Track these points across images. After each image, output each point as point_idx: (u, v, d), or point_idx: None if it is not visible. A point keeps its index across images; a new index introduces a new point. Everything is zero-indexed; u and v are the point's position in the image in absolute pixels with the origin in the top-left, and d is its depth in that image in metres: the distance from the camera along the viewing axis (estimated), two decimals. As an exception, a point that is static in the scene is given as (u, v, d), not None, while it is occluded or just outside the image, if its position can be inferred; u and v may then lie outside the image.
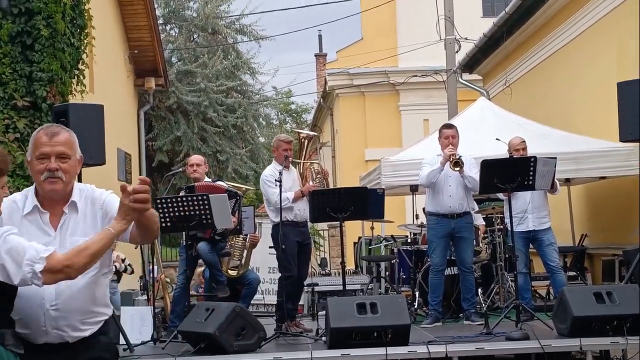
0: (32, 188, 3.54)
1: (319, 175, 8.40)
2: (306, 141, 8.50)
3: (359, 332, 6.62)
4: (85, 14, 10.49)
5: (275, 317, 8.17)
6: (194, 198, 7.57)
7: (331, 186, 15.54)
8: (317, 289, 10.58)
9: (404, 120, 23.31)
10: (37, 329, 3.38)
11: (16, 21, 9.61)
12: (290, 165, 8.31)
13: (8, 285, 3.15)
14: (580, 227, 12.39)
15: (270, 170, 8.20)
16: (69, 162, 3.46)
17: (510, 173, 7.71)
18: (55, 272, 3.11)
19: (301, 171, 8.41)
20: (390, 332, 6.59)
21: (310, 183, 8.27)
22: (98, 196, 3.54)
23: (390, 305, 6.71)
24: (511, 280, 9.22)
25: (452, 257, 8.87)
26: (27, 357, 3.35)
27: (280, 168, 8.11)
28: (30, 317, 3.37)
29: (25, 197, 3.49)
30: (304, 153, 8.45)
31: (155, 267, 9.78)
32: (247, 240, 8.95)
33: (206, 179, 8.90)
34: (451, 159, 8.18)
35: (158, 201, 7.75)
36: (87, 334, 3.46)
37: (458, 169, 8.16)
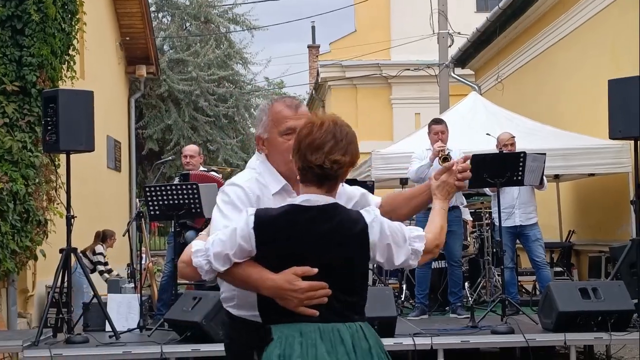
0: (263, 164, 3.16)
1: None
2: None
3: (345, 324, 6.63)
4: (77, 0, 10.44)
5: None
6: (184, 187, 7.57)
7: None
8: (304, 280, 10.56)
9: (395, 114, 23.33)
10: None
11: (6, 5, 9.55)
12: None
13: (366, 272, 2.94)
14: (568, 223, 12.44)
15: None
16: None
17: (500, 168, 7.71)
18: (429, 252, 3.00)
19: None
20: (377, 324, 6.57)
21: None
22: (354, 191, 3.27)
23: (377, 298, 6.71)
24: (498, 275, 9.25)
25: (440, 251, 8.88)
26: None
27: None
28: None
29: (260, 175, 3.13)
30: None
31: (144, 255, 9.78)
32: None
33: (201, 168, 8.87)
34: (440, 155, 8.17)
35: (147, 189, 7.75)
36: None
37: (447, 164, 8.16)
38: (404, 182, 10.94)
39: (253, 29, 26.48)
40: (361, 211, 2.90)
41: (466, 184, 3.23)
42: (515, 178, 7.75)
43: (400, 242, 2.88)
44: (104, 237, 12.49)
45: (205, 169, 9.00)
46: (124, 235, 9.07)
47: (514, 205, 8.69)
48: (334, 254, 2.81)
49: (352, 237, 2.82)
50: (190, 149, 9.06)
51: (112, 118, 16.11)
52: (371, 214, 2.88)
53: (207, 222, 8.23)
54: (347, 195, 3.21)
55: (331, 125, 2.89)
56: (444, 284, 8.84)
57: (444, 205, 3.16)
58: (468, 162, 3.20)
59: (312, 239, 2.81)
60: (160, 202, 7.56)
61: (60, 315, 7.29)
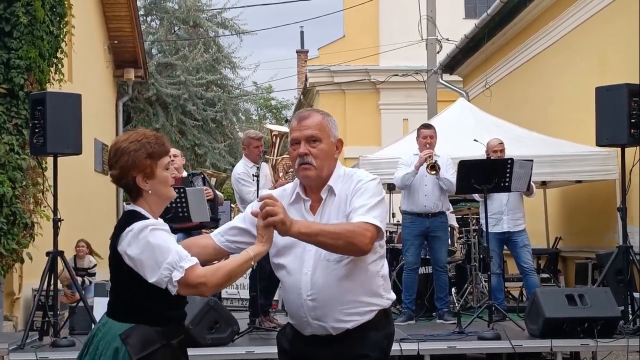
0: None
1: (290, 170, 8.36)
2: (278, 138, 8.44)
3: (332, 329, 6.63)
4: (65, 2, 10.38)
5: (249, 312, 8.16)
6: (170, 190, 7.53)
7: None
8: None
9: (383, 119, 23.36)
10: (299, 319, 3.30)
11: (-5, 7, 9.51)
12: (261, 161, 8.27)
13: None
14: (555, 229, 12.48)
15: (242, 168, 8.12)
16: (319, 145, 3.29)
17: (487, 174, 7.74)
18: (190, 287, 2.95)
19: (273, 165, 8.38)
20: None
21: (283, 179, 8.23)
22: (354, 180, 3.30)
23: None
24: (485, 281, 9.27)
25: (427, 256, 8.90)
26: (299, 348, 3.34)
27: (252, 165, 8.05)
28: (292, 307, 3.31)
29: (296, 185, 3.38)
30: (275, 149, 8.39)
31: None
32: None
33: (184, 172, 8.84)
34: (427, 162, 8.19)
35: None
36: (349, 325, 3.25)
37: (434, 172, 8.18)
38: (391, 187, 10.94)
39: (242, 33, 26.46)
40: (140, 222, 3.02)
41: (274, 220, 2.99)
42: (502, 184, 7.78)
43: (155, 263, 2.95)
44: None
45: (187, 173, 8.90)
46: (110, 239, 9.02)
47: (502, 211, 8.72)
48: (110, 254, 3.12)
49: (113, 242, 3.06)
50: (172, 150, 9.03)
51: (99, 121, 16.07)
52: (140, 225, 3.00)
53: (200, 225, 8.20)
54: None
55: (113, 145, 3.14)
56: (431, 289, 8.85)
57: (255, 247, 3.03)
58: (269, 200, 3.03)
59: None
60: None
61: (47, 319, 7.26)
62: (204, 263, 3.06)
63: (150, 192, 3.11)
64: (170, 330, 3.11)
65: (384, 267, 3.37)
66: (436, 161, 8.21)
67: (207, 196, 7.87)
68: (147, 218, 3.05)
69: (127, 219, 3.07)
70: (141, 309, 3.05)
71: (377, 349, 3.31)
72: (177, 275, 2.91)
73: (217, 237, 3.38)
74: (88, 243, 12.40)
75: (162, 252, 2.94)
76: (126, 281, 3.04)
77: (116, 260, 3.05)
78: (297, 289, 3.25)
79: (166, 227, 3.06)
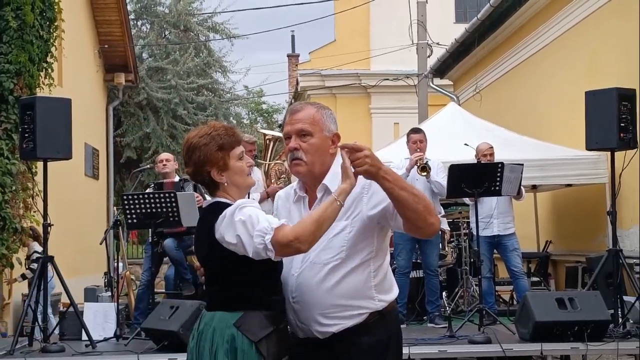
0: None
1: (283, 176, 8.37)
2: (271, 142, 8.45)
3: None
4: (55, 7, 10.39)
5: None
6: (162, 195, 7.55)
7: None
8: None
9: (374, 123, 23.37)
10: (290, 322, 3.18)
11: (-16, 12, 9.49)
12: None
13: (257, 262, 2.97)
14: (545, 233, 12.51)
15: None
16: (310, 140, 3.15)
17: (478, 178, 7.74)
18: (284, 245, 2.88)
19: (265, 170, 8.39)
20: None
21: (275, 184, 8.24)
22: (360, 178, 3.10)
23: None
24: (475, 285, 9.27)
25: (418, 260, 8.90)
26: (298, 352, 3.20)
27: None
28: (286, 309, 3.20)
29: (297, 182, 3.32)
30: (268, 154, 8.40)
31: (121, 263, 9.72)
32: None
33: (176, 177, 8.83)
34: (418, 164, 8.20)
35: (124, 197, 7.72)
36: (333, 329, 3.09)
37: (425, 174, 8.19)
38: (382, 191, 10.94)
39: (232, 37, 26.50)
40: (231, 207, 3.01)
41: (365, 152, 2.94)
42: (493, 188, 7.78)
43: (249, 235, 2.93)
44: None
45: (179, 178, 8.89)
46: (100, 244, 9.01)
47: (492, 215, 8.73)
48: (203, 245, 3.14)
49: (208, 232, 3.04)
50: (165, 155, 9.09)
51: (90, 126, 16.04)
52: (230, 209, 2.99)
53: (187, 230, 8.18)
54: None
55: (185, 142, 3.16)
56: (422, 293, 8.85)
57: (338, 189, 2.96)
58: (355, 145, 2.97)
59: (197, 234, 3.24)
60: (138, 211, 7.53)
61: (37, 324, 7.23)
62: None
63: (226, 184, 3.10)
64: (278, 315, 3.10)
65: (381, 266, 3.21)
66: (427, 162, 8.22)
67: (197, 202, 7.85)
68: (232, 204, 3.03)
69: (215, 209, 3.05)
70: (248, 296, 3.02)
71: (371, 357, 3.11)
72: (268, 238, 2.88)
73: None
74: (38, 231, 10.08)
75: (252, 224, 2.92)
76: (230, 270, 3.02)
77: (216, 251, 3.01)
78: (286, 291, 3.16)
79: (254, 203, 3.04)
